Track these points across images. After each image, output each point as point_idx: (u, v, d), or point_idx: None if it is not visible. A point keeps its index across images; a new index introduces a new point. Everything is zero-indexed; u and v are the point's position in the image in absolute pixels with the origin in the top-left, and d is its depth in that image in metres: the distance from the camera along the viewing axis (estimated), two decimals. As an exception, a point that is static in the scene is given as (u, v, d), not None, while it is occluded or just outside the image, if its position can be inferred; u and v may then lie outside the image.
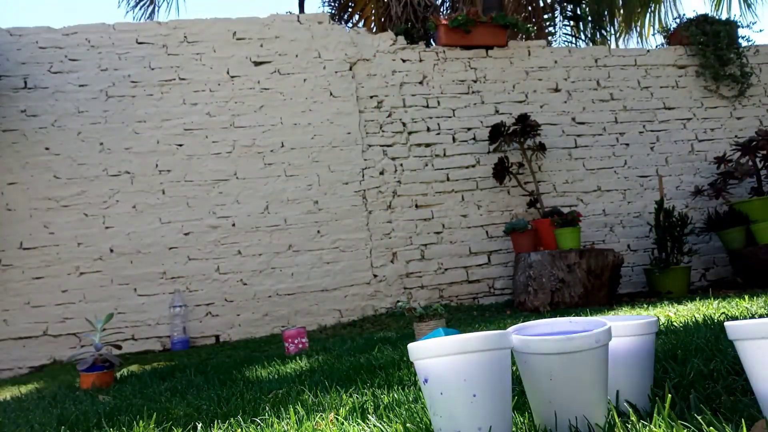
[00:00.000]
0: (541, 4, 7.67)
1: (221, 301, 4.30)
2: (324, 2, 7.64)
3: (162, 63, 4.53)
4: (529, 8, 7.49)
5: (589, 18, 7.34)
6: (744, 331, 0.98)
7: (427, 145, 4.81)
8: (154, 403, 1.80)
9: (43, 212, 4.19)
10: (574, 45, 7.74)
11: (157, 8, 7.30)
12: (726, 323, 1.00)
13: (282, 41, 4.72)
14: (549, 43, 7.93)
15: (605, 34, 7.78)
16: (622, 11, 7.72)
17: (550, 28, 7.87)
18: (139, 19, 7.24)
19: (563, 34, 7.82)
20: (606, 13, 7.42)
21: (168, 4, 7.62)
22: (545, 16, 7.77)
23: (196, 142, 4.47)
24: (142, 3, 7.26)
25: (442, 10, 7.17)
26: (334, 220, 4.53)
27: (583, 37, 7.68)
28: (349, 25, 7.44)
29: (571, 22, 7.68)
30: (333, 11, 7.53)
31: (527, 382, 1.04)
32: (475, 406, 0.95)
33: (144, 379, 2.62)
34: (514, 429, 1.05)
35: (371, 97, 4.79)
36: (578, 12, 7.52)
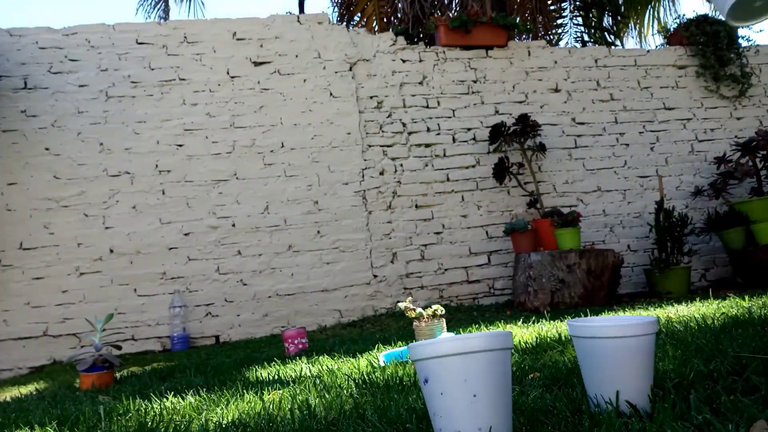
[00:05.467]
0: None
1: (221, 302, 4.30)
2: (333, 2, 7.67)
3: (162, 63, 4.53)
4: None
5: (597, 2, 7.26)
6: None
7: (427, 146, 4.81)
8: (153, 403, 1.80)
9: (43, 212, 4.19)
10: (585, 33, 7.67)
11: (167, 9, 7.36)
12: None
13: (282, 41, 4.72)
14: (559, 37, 7.92)
15: (616, 21, 7.72)
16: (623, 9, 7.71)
17: (560, 20, 7.81)
18: (152, 17, 7.31)
19: (574, 25, 7.74)
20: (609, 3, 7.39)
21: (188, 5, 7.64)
22: (552, 8, 7.71)
23: (196, 142, 4.47)
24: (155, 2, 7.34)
25: (451, 7, 7.09)
26: (334, 221, 4.53)
27: (592, 24, 7.60)
28: (353, 23, 7.41)
29: (581, 13, 7.61)
30: (339, 10, 7.51)
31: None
32: (476, 407, 0.95)
33: (144, 379, 2.62)
34: (514, 429, 1.05)
35: (371, 97, 4.79)
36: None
